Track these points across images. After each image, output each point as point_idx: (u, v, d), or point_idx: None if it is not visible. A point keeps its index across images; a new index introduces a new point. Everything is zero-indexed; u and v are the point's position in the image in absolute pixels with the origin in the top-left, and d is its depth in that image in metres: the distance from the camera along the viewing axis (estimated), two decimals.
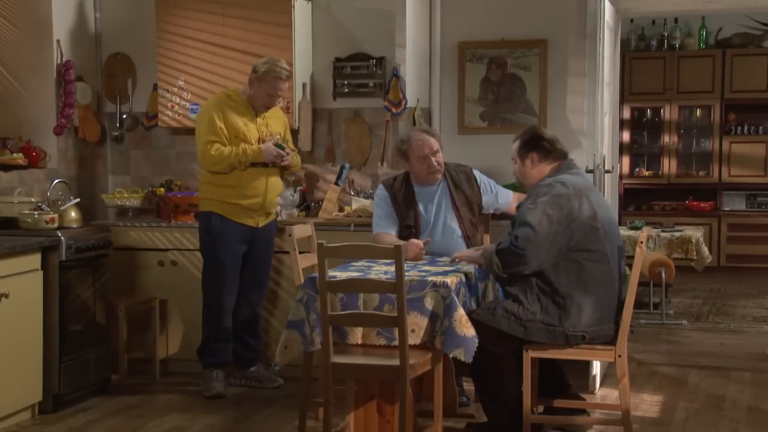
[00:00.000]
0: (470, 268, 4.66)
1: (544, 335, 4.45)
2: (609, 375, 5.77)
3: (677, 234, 7.98)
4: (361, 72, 6.18)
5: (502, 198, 5.40)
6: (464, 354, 4.26)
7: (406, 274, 4.20)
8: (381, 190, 5.31)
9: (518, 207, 4.69)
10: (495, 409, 4.62)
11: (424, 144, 5.16)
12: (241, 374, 5.68)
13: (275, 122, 5.62)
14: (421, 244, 4.95)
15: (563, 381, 4.94)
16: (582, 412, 4.90)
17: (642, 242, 4.46)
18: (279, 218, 5.99)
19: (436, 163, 5.18)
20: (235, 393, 5.57)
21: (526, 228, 4.40)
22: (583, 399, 5.03)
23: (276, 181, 5.57)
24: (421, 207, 5.22)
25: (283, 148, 5.44)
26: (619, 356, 4.47)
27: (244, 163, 5.38)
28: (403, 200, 5.21)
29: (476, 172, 5.38)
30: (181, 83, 6.20)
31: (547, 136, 4.70)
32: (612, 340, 4.52)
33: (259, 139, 5.47)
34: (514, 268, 4.43)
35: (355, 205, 5.98)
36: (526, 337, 4.46)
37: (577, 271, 4.43)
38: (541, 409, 4.87)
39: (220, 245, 5.49)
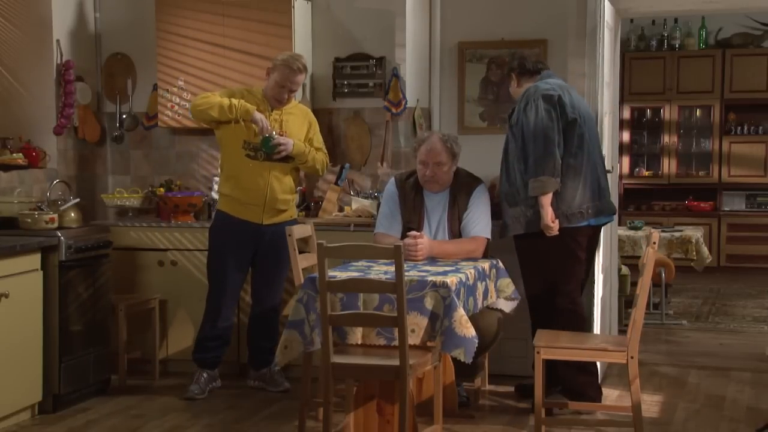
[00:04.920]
0: (471, 268, 4.66)
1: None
2: (609, 375, 5.77)
3: (677, 234, 7.98)
4: (361, 72, 6.18)
5: (469, 222, 5.11)
6: (464, 354, 4.25)
7: (406, 274, 4.20)
8: (391, 185, 5.24)
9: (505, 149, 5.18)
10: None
11: (428, 151, 5.08)
12: (254, 375, 5.67)
13: (296, 125, 5.51)
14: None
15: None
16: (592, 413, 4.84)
17: (654, 243, 4.42)
18: None
19: (429, 174, 5.08)
20: (235, 393, 5.57)
21: (535, 130, 4.92)
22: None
23: (282, 177, 5.45)
24: (425, 211, 5.16)
25: (269, 141, 5.30)
26: (632, 358, 4.40)
27: (234, 108, 5.27)
28: (413, 200, 5.16)
29: (479, 190, 5.17)
30: (181, 83, 6.20)
31: (527, 60, 5.30)
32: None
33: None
34: (546, 163, 4.88)
35: (355, 205, 5.97)
36: (535, 229, 4.97)
37: (567, 157, 4.95)
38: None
39: (221, 245, 5.49)
